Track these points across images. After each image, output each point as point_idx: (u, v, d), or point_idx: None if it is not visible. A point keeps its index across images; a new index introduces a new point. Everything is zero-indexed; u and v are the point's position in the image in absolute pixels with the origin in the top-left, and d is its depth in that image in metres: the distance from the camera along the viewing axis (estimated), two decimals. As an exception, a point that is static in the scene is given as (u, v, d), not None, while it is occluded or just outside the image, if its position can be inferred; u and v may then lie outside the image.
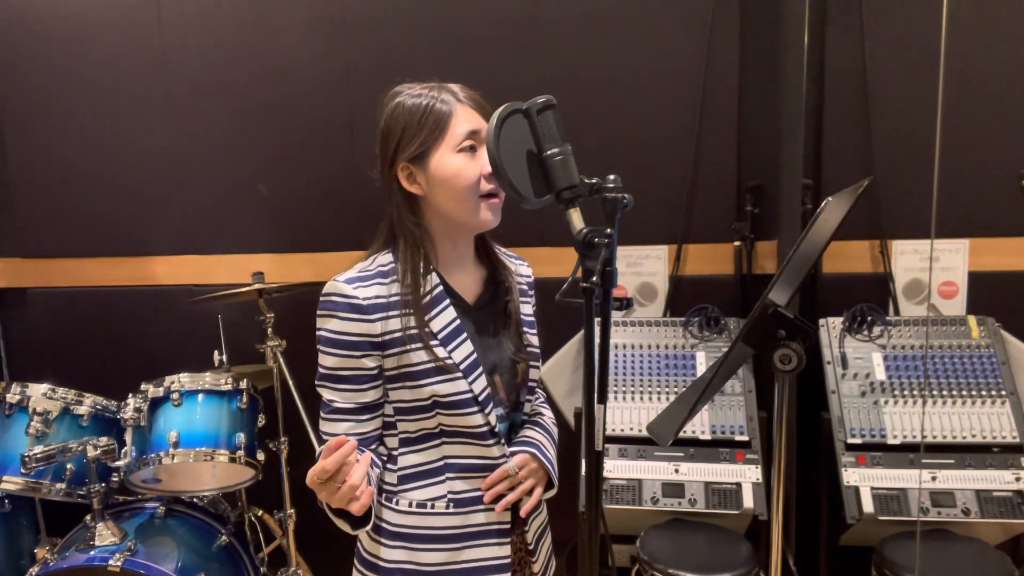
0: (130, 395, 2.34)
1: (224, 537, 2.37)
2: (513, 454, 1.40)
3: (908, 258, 2.51)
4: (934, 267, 2.50)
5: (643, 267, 2.65)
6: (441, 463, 1.36)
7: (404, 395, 1.33)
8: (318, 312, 1.32)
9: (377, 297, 1.31)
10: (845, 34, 2.46)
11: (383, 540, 1.37)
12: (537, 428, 1.49)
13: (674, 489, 2.22)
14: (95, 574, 2.10)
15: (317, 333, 1.33)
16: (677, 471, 2.26)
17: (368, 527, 1.28)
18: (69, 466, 2.25)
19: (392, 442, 1.37)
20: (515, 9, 2.59)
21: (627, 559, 2.25)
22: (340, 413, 1.34)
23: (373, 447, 1.36)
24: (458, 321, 1.34)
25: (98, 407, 2.35)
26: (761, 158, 2.57)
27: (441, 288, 1.35)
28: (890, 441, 2.21)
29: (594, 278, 1.07)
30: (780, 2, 2.46)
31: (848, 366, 2.34)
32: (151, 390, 2.31)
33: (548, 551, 1.53)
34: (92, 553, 2.13)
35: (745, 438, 2.28)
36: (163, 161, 2.85)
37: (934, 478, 2.14)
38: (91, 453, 2.18)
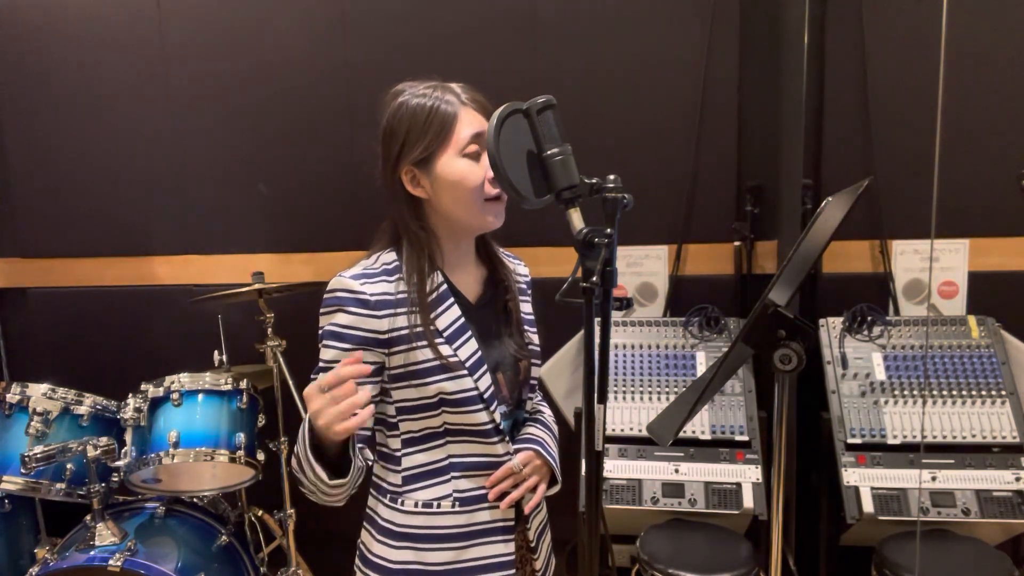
0: (130, 395, 2.34)
1: (224, 537, 2.37)
2: (516, 451, 1.41)
3: (908, 258, 2.51)
4: (934, 267, 2.50)
5: (643, 267, 2.65)
6: (446, 462, 1.36)
7: (409, 394, 1.33)
8: (322, 309, 1.32)
9: (384, 294, 1.31)
10: (845, 34, 2.46)
11: (389, 541, 1.37)
12: (538, 425, 1.50)
13: (674, 489, 2.22)
14: (95, 574, 2.10)
15: (321, 329, 1.32)
16: (677, 471, 2.26)
17: (344, 481, 1.23)
18: (69, 466, 2.25)
19: (395, 443, 1.37)
20: (515, 8, 2.59)
21: (627, 559, 2.25)
22: None
23: (360, 447, 1.35)
24: (463, 319, 1.35)
25: (98, 407, 2.35)
26: (761, 158, 2.57)
27: (446, 287, 1.36)
28: (890, 441, 2.21)
29: (594, 278, 1.07)
30: (780, 2, 2.46)
31: (848, 366, 2.34)
32: (151, 390, 2.31)
33: (548, 548, 1.54)
34: (92, 553, 2.13)
35: (745, 438, 2.28)
36: (163, 161, 2.85)
37: (934, 478, 2.14)
38: (91, 453, 2.18)
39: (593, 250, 1.09)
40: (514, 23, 2.60)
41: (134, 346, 2.92)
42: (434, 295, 1.33)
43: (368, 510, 1.43)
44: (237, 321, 2.62)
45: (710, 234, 2.61)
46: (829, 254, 2.50)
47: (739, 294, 2.58)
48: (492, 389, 1.35)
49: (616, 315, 2.61)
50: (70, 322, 2.97)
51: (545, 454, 1.44)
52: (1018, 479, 2.11)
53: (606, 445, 2.23)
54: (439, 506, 1.35)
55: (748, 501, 2.17)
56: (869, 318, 2.40)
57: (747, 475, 2.22)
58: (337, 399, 1.12)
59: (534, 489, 1.42)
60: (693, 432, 2.29)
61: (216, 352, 2.50)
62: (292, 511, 2.49)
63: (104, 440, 2.23)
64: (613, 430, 2.33)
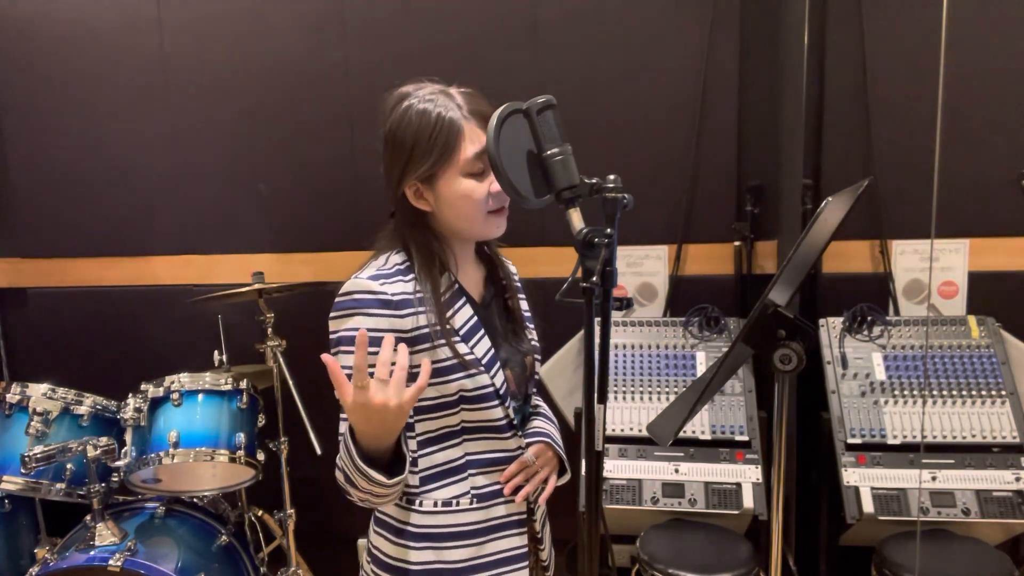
0: (130, 395, 2.34)
1: (224, 537, 2.37)
2: (527, 445, 1.43)
3: (908, 258, 2.51)
4: (934, 267, 2.50)
5: (643, 267, 2.65)
6: (463, 460, 1.37)
7: (430, 392, 1.33)
8: (337, 312, 1.29)
9: (404, 293, 1.30)
10: (845, 34, 2.46)
11: (409, 543, 1.37)
12: (541, 419, 1.53)
13: (674, 489, 2.22)
14: (95, 574, 2.10)
15: (336, 335, 1.29)
16: (677, 471, 2.26)
17: (403, 477, 1.23)
18: (69, 466, 2.25)
19: (411, 444, 1.36)
20: (515, 9, 2.59)
21: (627, 559, 2.25)
22: None
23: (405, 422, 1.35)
24: (476, 318, 1.36)
25: (98, 407, 2.35)
26: (761, 158, 2.57)
27: (457, 286, 1.37)
28: (890, 441, 2.21)
29: (594, 278, 1.07)
30: (780, 2, 2.46)
31: (848, 366, 2.34)
32: (151, 390, 2.31)
33: (550, 540, 1.56)
34: (92, 553, 2.13)
35: (745, 438, 2.28)
36: (163, 161, 2.85)
37: (934, 478, 2.14)
38: (91, 453, 2.18)
39: (593, 250, 1.08)
40: (514, 23, 2.60)
41: (134, 346, 2.92)
42: (448, 294, 1.34)
43: (379, 514, 1.42)
44: (237, 321, 2.62)
45: (710, 234, 2.61)
46: (829, 254, 2.50)
47: (739, 294, 2.58)
48: (506, 385, 1.37)
49: (616, 315, 2.61)
50: (70, 322, 2.97)
51: (555, 445, 1.48)
52: (1018, 479, 2.11)
53: (606, 445, 2.23)
54: (458, 504, 1.36)
55: (748, 501, 2.17)
56: (869, 318, 2.40)
57: (747, 475, 2.22)
58: (383, 377, 1.12)
59: (545, 481, 1.45)
60: (693, 432, 2.29)
61: (216, 352, 2.50)
62: (292, 511, 2.49)
63: (104, 440, 2.23)
64: (613, 430, 2.33)
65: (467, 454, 1.37)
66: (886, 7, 2.43)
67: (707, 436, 2.29)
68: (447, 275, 1.35)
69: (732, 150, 2.58)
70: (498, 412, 1.36)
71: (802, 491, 2.47)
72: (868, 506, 2.11)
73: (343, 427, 1.30)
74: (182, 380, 2.31)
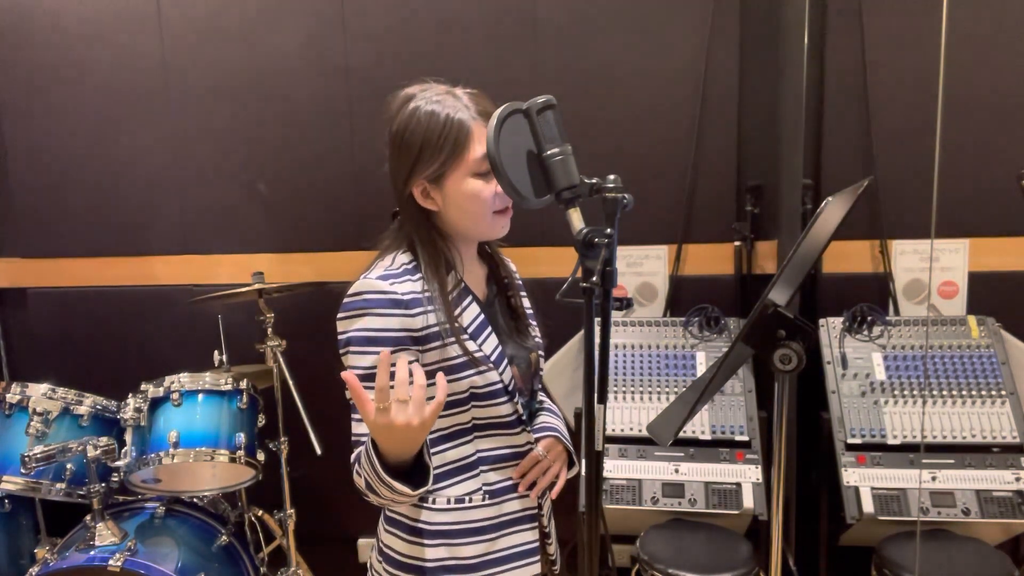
0: (130, 395, 2.33)
1: (224, 537, 2.37)
2: (536, 440, 1.45)
3: (908, 258, 2.51)
4: (934, 267, 2.50)
5: (643, 267, 2.65)
6: (475, 457, 1.38)
7: None
8: (347, 313, 1.29)
9: (413, 292, 1.30)
10: (845, 34, 2.46)
11: (424, 541, 1.37)
12: (548, 413, 1.55)
13: (674, 489, 2.22)
14: (95, 574, 2.10)
15: (345, 335, 1.29)
16: (677, 471, 2.26)
17: (426, 488, 1.24)
18: (69, 466, 2.25)
19: None
20: (515, 9, 2.59)
21: (627, 559, 2.25)
22: None
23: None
24: (483, 316, 1.37)
25: (98, 407, 2.35)
26: (761, 158, 2.57)
27: (464, 285, 1.38)
28: (890, 441, 2.21)
29: (594, 278, 1.07)
30: (780, 2, 2.46)
31: (848, 366, 2.34)
32: (151, 390, 2.30)
33: (555, 534, 1.57)
34: (92, 553, 2.13)
35: (745, 438, 2.28)
36: (163, 161, 2.85)
37: (934, 478, 2.14)
38: (91, 453, 2.18)
39: (593, 250, 1.09)
40: (514, 23, 2.60)
41: (134, 346, 2.92)
42: (455, 293, 1.35)
43: (391, 513, 1.42)
44: (237, 321, 2.62)
45: (710, 234, 2.61)
46: (829, 254, 2.50)
47: (739, 294, 2.58)
48: (514, 381, 1.38)
49: (616, 315, 2.61)
50: (70, 322, 2.97)
51: (563, 439, 1.49)
52: (1018, 479, 2.11)
53: (606, 445, 2.23)
54: (470, 500, 1.37)
55: (748, 501, 2.17)
56: (869, 318, 2.40)
57: (747, 475, 2.22)
58: (403, 398, 1.11)
59: (556, 475, 1.47)
60: (693, 432, 2.29)
61: (216, 352, 2.50)
62: (292, 511, 2.49)
63: (104, 440, 2.23)
64: (613, 430, 2.33)
65: (478, 451, 1.38)
66: (886, 7, 2.43)
67: (707, 436, 2.29)
68: (453, 274, 1.36)
69: (732, 150, 2.58)
70: (507, 408, 1.37)
71: (802, 491, 2.47)
72: (868, 506, 2.11)
73: (357, 428, 1.29)
74: (182, 380, 2.31)
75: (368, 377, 1.23)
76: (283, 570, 2.50)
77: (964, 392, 2.25)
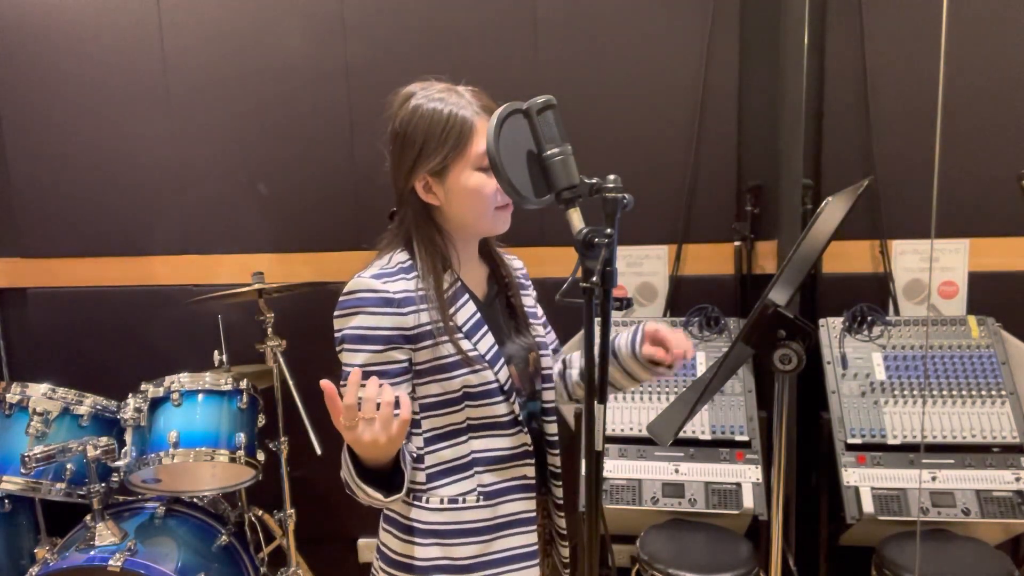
0: (130, 395, 2.33)
1: (224, 537, 2.37)
2: (634, 337, 1.44)
3: (908, 258, 2.51)
4: (934, 267, 2.50)
5: (643, 267, 2.65)
6: (469, 458, 1.37)
7: (433, 389, 1.34)
8: (340, 311, 1.31)
9: (407, 291, 1.31)
10: (845, 34, 2.46)
11: (416, 539, 1.37)
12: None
13: (674, 489, 2.22)
14: (95, 574, 2.10)
15: (340, 333, 1.31)
16: (677, 471, 2.26)
17: (400, 496, 1.26)
18: (69, 466, 2.25)
19: (417, 441, 1.37)
20: (515, 8, 2.59)
21: (627, 559, 2.25)
22: None
23: (404, 443, 1.36)
24: (479, 314, 1.37)
25: (98, 407, 2.35)
26: (761, 158, 2.57)
27: (460, 284, 1.37)
28: (890, 441, 2.21)
29: (594, 278, 1.07)
30: (780, 2, 2.46)
31: (848, 366, 2.34)
32: (151, 390, 2.30)
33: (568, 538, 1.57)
34: (92, 553, 2.13)
35: (745, 438, 2.28)
36: (163, 161, 2.85)
37: (934, 478, 2.14)
38: (91, 453, 2.18)
39: (593, 250, 1.08)
40: (514, 23, 2.60)
41: (134, 346, 2.92)
42: (451, 291, 1.35)
43: (388, 511, 1.43)
44: (237, 321, 2.62)
45: (710, 234, 2.61)
46: (829, 254, 2.50)
47: (739, 294, 2.58)
48: (511, 381, 1.37)
49: (616, 315, 2.61)
50: (70, 322, 2.97)
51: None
52: (1018, 479, 2.11)
53: (606, 445, 2.23)
54: (464, 501, 1.37)
55: (748, 501, 2.17)
56: (869, 318, 2.40)
57: (747, 475, 2.22)
58: (369, 415, 1.13)
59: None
60: (693, 432, 2.29)
61: (216, 352, 2.50)
62: (292, 511, 2.49)
63: (104, 440, 2.23)
64: (613, 430, 2.33)
65: (473, 452, 1.37)
66: (886, 7, 2.43)
67: (707, 436, 2.29)
68: (450, 272, 1.36)
69: (732, 150, 2.58)
70: (503, 408, 1.36)
71: (802, 491, 2.47)
72: (868, 506, 2.11)
73: None
74: (182, 380, 2.31)
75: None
76: (283, 570, 2.50)
77: (964, 392, 2.25)
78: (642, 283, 2.66)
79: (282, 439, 2.46)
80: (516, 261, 1.57)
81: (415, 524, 1.37)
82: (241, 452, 2.30)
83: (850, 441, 2.22)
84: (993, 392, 2.24)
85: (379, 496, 1.24)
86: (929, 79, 2.39)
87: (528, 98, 1.16)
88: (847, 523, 2.12)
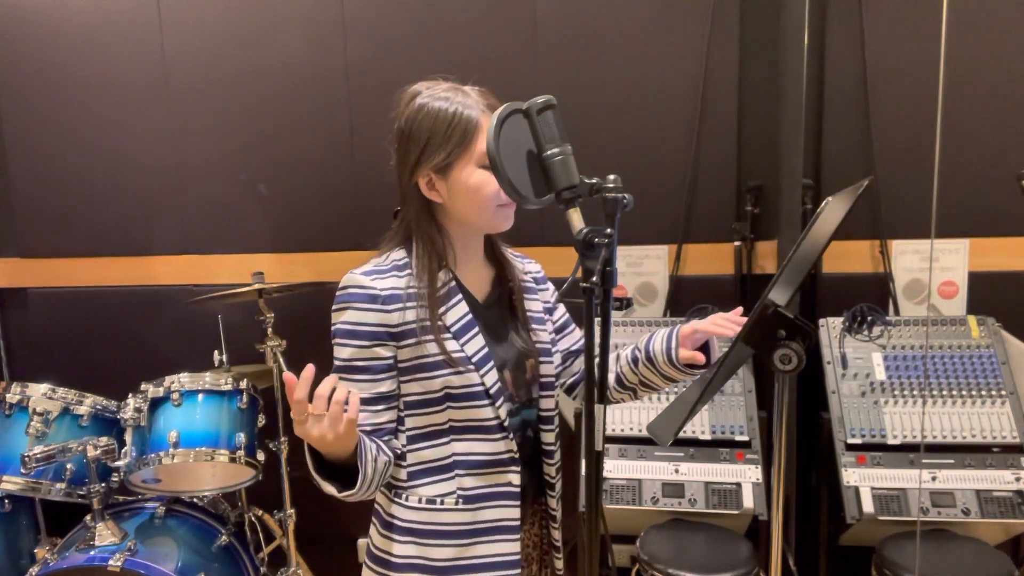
0: (130, 395, 2.33)
1: (224, 537, 2.37)
2: (669, 339, 1.42)
3: (908, 258, 2.51)
4: (934, 267, 2.50)
5: (643, 267, 2.65)
6: (450, 460, 1.36)
7: (415, 388, 1.34)
8: (335, 305, 1.34)
9: (394, 288, 1.32)
10: (845, 34, 2.46)
11: (394, 536, 1.38)
12: (635, 347, 1.50)
13: (674, 489, 2.22)
14: (95, 574, 2.10)
15: (332, 327, 1.34)
16: (677, 471, 2.26)
17: (355, 491, 1.26)
18: (69, 466, 2.25)
19: (401, 439, 1.38)
20: (515, 9, 2.59)
21: (627, 559, 2.25)
22: None
23: (387, 439, 1.36)
24: (470, 316, 1.36)
25: (98, 407, 2.35)
26: (761, 158, 2.57)
27: (454, 284, 1.37)
28: (890, 441, 2.21)
29: (594, 278, 1.07)
30: (780, 2, 2.46)
31: (848, 366, 2.34)
32: (151, 390, 2.30)
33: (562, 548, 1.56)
34: (92, 553, 2.13)
35: (745, 438, 2.28)
36: (163, 161, 2.85)
37: (934, 478, 2.14)
38: (91, 453, 2.18)
39: (593, 250, 1.08)
40: (514, 23, 2.60)
41: (134, 346, 2.92)
42: (443, 291, 1.35)
43: (376, 505, 1.44)
44: (237, 321, 2.62)
45: (710, 234, 2.61)
46: (829, 254, 2.50)
47: (739, 294, 2.58)
48: (499, 385, 1.36)
49: (616, 315, 2.61)
50: (70, 322, 2.97)
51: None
52: (1018, 479, 2.11)
53: (606, 445, 2.23)
54: (443, 503, 1.36)
55: (748, 501, 2.17)
56: (869, 318, 2.40)
57: (747, 475, 2.22)
58: (319, 412, 1.15)
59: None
60: (693, 432, 2.29)
61: (216, 352, 2.50)
62: (292, 511, 2.49)
63: (104, 440, 2.23)
64: (613, 430, 2.33)
65: (455, 454, 1.36)
66: (886, 7, 2.43)
67: (707, 436, 2.29)
68: (445, 271, 1.36)
69: (732, 150, 2.58)
70: (487, 412, 1.35)
71: (802, 491, 2.47)
72: (868, 506, 2.11)
73: None
74: (182, 380, 2.31)
75: (342, 368, 1.32)
76: (283, 570, 2.50)
77: (964, 392, 2.25)
78: (642, 283, 2.66)
79: (282, 439, 2.46)
80: (532, 264, 1.56)
81: (394, 521, 1.38)
82: (241, 452, 2.30)
83: (850, 441, 2.22)
84: (993, 392, 2.24)
85: (332, 490, 1.25)
86: (929, 79, 2.39)
87: (528, 98, 1.16)
88: (847, 523, 2.12)
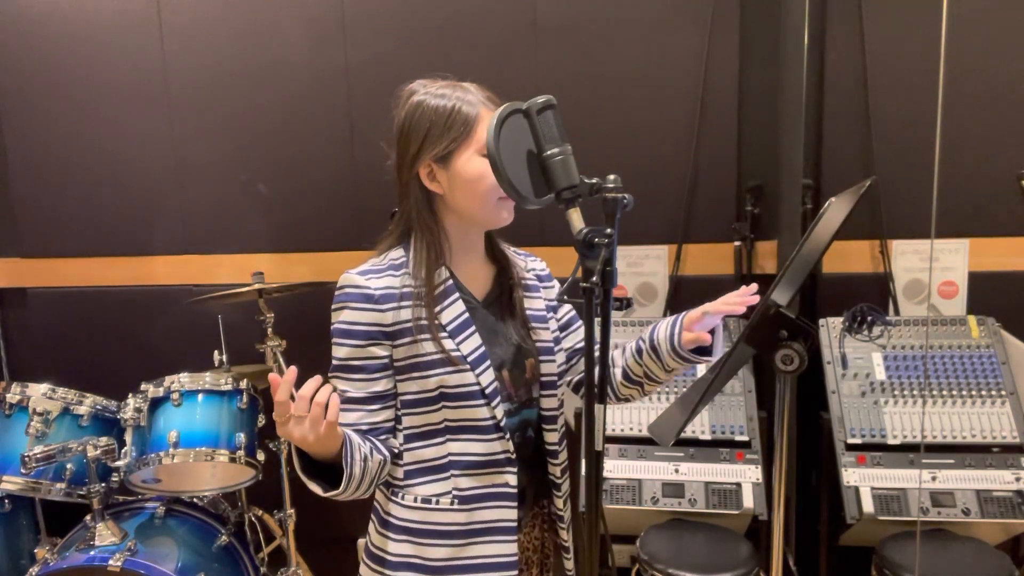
0: (130, 395, 2.33)
1: (224, 537, 2.37)
2: (674, 325, 1.38)
3: (908, 258, 2.51)
4: (934, 267, 2.50)
5: (643, 267, 2.65)
6: (446, 460, 1.36)
7: (411, 387, 1.34)
8: (333, 305, 1.35)
9: (389, 288, 1.33)
10: (845, 34, 2.46)
11: (389, 534, 1.38)
12: (642, 340, 1.46)
13: (674, 489, 2.22)
14: (95, 574, 2.10)
15: (332, 326, 1.35)
16: (677, 471, 2.26)
17: (340, 491, 1.27)
18: (69, 466, 2.25)
19: (398, 438, 1.39)
20: (515, 9, 2.59)
21: (627, 559, 2.25)
22: (352, 403, 1.34)
23: (384, 438, 1.36)
24: (467, 315, 1.36)
25: (98, 407, 2.35)
26: (761, 158, 2.57)
27: (451, 282, 1.37)
28: (890, 441, 2.21)
29: (594, 278, 1.07)
30: (780, 2, 2.46)
31: (848, 366, 2.34)
32: (151, 390, 2.30)
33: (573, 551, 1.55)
34: (92, 553, 2.12)
35: (745, 438, 2.28)
36: (163, 161, 2.85)
37: (934, 478, 2.14)
38: (91, 453, 2.18)
39: (593, 250, 1.08)
40: (514, 23, 2.60)
41: (134, 346, 2.92)
42: (439, 289, 1.34)
43: (375, 503, 1.44)
44: (237, 321, 2.62)
45: (710, 234, 2.61)
46: (829, 254, 2.49)
47: (739, 294, 2.58)
48: (495, 385, 1.35)
49: (616, 315, 2.61)
50: (70, 322, 2.97)
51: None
52: (1018, 479, 2.11)
53: (606, 445, 2.23)
54: (438, 502, 1.36)
55: (748, 501, 2.17)
56: (869, 318, 2.40)
57: (747, 475, 2.22)
58: (300, 413, 1.15)
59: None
60: (693, 432, 2.29)
61: (216, 352, 2.50)
62: (292, 511, 2.49)
63: (104, 440, 2.23)
64: (613, 430, 2.33)
65: (450, 454, 1.36)
66: (886, 7, 2.43)
67: (707, 436, 2.29)
68: (442, 269, 1.36)
69: (732, 150, 2.58)
70: (483, 412, 1.35)
71: (802, 491, 2.47)
72: (868, 506, 2.11)
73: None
74: (182, 380, 2.31)
75: (338, 367, 1.34)
76: (283, 570, 2.50)
77: (964, 392, 2.25)
78: (642, 283, 2.66)
79: (282, 439, 2.46)
80: (536, 262, 1.55)
81: (391, 519, 1.38)
82: (241, 452, 2.30)
83: (850, 441, 2.22)
84: (993, 392, 2.24)
85: (318, 489, 1.26)
86: (929, 79, 2.39)
87: (528, 98, 1.16)
88: (847, 523, 2.12)
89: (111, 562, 2.09)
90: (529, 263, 1.53)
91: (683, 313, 1.41)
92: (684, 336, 1.37)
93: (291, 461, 2.46)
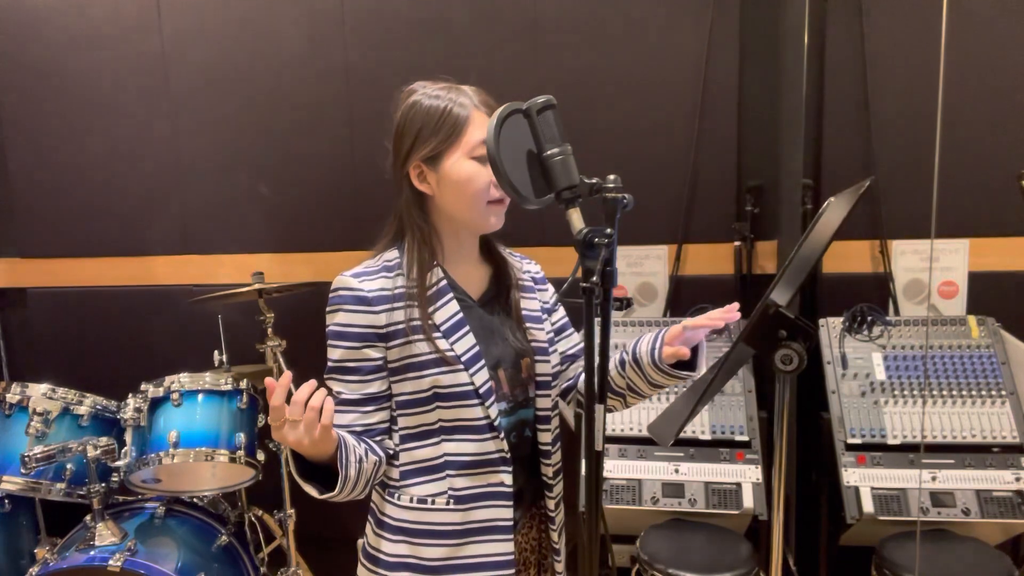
0: (130, 395, 2.33)
1: (224, 537, 2.37)
2: (657, 340, 1.39)
3: (908, 258, 2.51)
4: (934, 267, 2.50)
5: (643, 267, 2.65)
6: (441, 460, 1.36)
7: (406, 387, 1.35)
8: (328, 307, 1.35)
9: (382, 289, 1.33)
10: (845, 34, 2.46)
11: (385, 534, 1.39)
12: (626, 350, 1.46)
13: (674, 489, 2.22)
14: (95, 574, 2.10)
15: (326, 328, 1.35)
16: (677, 471, 2.26)
17: (336, 493, 1.28)
18: (69, 466, 2.25)
19: (394, 438, 1.39)
20: (516, 9, 2.59)
21: (627, 559, 2.25)
22: (347, 404, 1.35)
23: (379, 439, 1.37)
24: (461, 314, 1.36)
25: (98, 407, 2.35)
26: (761, 158, 2.57)
27: (445, 282, 1.37)
28: (890, 441, 2.21)
29: (594, 278, 1.07)
30: (780, 2, 2.46)
31: (848, 366, 2.34)
32: (151, 390, 2.30)
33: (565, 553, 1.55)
34: (92, 553, 2.12)
35: (745, 438, 2.28)
36: (163, 161, 2.85)
37: (934, 478, 2.14)
38: (91, 453, 2.18)
39: (593, 250, 1.08)
40: (515, 23, 2.60)
41: (134, 346, 2.92)
42: (433, 289, 1.35)
43: (371, 503, 1.45)
44: (237, 321, 2.62)
45: (710, 234, 2.61)
46: (829, 254, 2.50)
47: (739, 294, 2.58)
48: (489, 385, 1.35)
49: (616, 315, 2.61)
50: (70, 322, 2.97)
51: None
52: (1018, 479, 2.11)
53: (606, 445, 2.23)
54: (434, 502, 1.36)
55: (748, 501, 2.17)
56: (869, 318, 2.40)
57: (747, 475, 2.22)
58: (295, 417, 1.17)
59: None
60: (693, 432, 2.29)
61: (216, 352, 2.50)
62: (292, 511, 2.49)
63: (104, 440, 2.23)
64: (613, 430, 2.33)
65: (445, 454, 1.36)
66: (886, 8, 2.43)
67: (707, 436, 2.29)
68: (436, 269, 1.36)
69: (732, 150, 2.58)
70: (477, 412, 1.34)
71: (802, 491, 2.47)
72: (868, 506, 2.11)
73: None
74: (182, 380, 2.31)
75: (333, 369, 1.34)
76: (283, 570, 2.50)
77: (964, 392, 2.25)
78: (642, 283, 2.66)
79: (282, 439, 2.46)
80: (531, 264, 1.56)
81: (386, 519, 1.39)
82: (241, 452, 2.30)
83: (850, 441, 2.22)
84: (993, 392, 2.24)
85: (313, 492, 1.28)
86: (929, 79, 2.39)
87: (528, 98, 1.16)
88: (847, 523, 2.12)
89: (111, 562, 2.09)
90: (524, 265, 1.53)
91: (664, 328, 1.42)
92: (664, 350, 1.37)
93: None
